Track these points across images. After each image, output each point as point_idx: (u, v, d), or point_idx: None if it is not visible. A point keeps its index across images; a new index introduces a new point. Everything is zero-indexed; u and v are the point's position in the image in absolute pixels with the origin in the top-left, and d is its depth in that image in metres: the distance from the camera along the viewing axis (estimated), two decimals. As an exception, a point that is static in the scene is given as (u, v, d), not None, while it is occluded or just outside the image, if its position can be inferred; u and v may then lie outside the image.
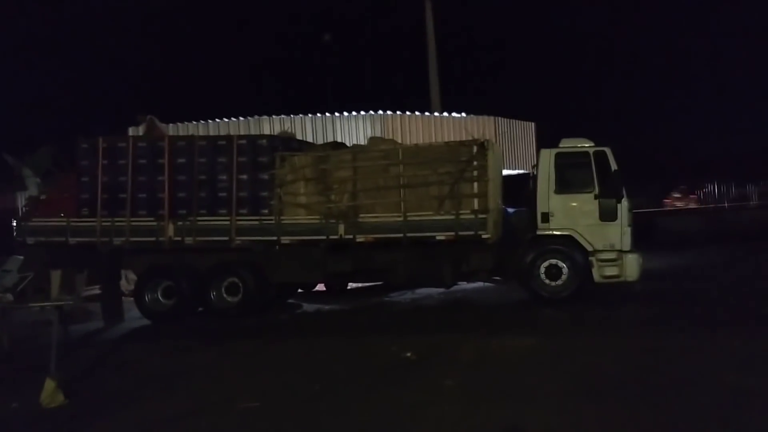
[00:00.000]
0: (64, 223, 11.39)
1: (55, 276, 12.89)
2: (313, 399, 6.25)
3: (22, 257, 13.27)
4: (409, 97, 25.36)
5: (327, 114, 19.21)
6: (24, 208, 12.98)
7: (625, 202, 10.73)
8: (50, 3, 35.43)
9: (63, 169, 12.41)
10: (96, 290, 13.05)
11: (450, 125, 19.85)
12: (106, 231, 11.21)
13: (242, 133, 15.04)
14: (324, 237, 10.81)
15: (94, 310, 12.26)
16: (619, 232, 10.71)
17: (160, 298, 11.68)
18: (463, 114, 20.46)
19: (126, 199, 11.18)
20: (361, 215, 10.70)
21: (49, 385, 6.45)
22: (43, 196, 12.09)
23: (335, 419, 5.62)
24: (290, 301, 13.16)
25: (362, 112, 19.23)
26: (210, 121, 19.49)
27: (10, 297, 12.91)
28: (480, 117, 20.63)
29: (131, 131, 15.83)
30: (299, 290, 13.60)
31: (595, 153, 10.93)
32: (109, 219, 11.21)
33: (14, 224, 17.38)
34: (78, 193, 11.48)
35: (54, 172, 12.62)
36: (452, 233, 10.40)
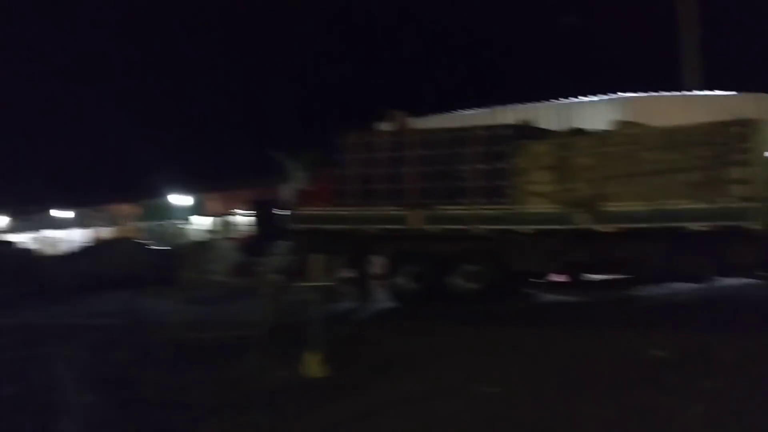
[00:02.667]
0: (325, 212, 12.58)
1: (317, 260, 14.26)
2: (554, 390, 6.17)
3: (289, 242, 14.96)
4: (656, 75, 23.37)
5: (566, 100, 18.58)
6: (291, 199, 14.56)
7: None
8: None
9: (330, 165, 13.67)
10: (350, 273, 14.18)
11: (710, 105, 17.87)
12: (359, 219, 12.16)
13: (481, 123, 15.21)
14: (564, 226, 10.54)
15: (348, 291, 13.34)
16: None
17: (406, 282, 12.35)
18: (730, 92, 18.23)
19: (376, 189, 12.01)
20: (605, 204, 10.22)
21: (312, 357, 7.23)
22: (307, 188, 13.46)
23: (579, 414, 5.49)
24: (528, 290, 13.04)
25: (604, 96, 18.23)
26: (451, 113, 20.02)
27: (279, 278, 14.63)
28: (752, 95, 18.20)
29: (381, 126, 16.90)
30: (534, 280, 13.39)
31: None
32: (362, 208, 12.13)
33: (277, 213, 19.65)
34: (336, 185, 12.60)
35: (316, 165, 13.93)
36: (710, 223, 9.46)
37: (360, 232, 12.24)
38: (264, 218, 22.98)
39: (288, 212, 13.73)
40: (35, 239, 39.91)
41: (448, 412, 5.75)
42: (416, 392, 6.35)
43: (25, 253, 26.82)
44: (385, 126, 15.54)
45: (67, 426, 4.56)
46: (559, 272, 12.96)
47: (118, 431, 5.18)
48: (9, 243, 31.30)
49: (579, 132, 12.54)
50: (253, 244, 20.98)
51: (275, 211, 20.57)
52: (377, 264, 14.53)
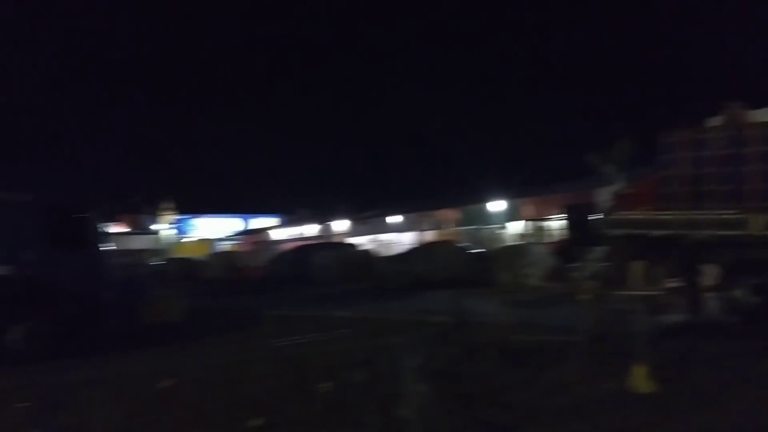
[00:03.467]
0: (646, 216, 11.87)
1: (637, 267, 13.51)
2: None
3: (604, 248, 14.40)
4: None
5: None
6: (608, 203, 14.03)
7: None
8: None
9: (644, 162, 12.95)
10: (676, 283, 13.13)
11: None
12: (687, 223, 11.19)
13: None
14: None
15: (675, 303, 12.33)
16: None
17: (744, 295, 10.97)
18: None
19: (708, 191, 10.95)
20: None
21: (639, 370, 6.86)
22: (626, 191, 12.87)
23: None
24: None
25: None
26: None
27: (595, 285, 14.17)
28: None
29: (712, 121, 15.35)
30: None
31: None
32: (690, 212, 11.15)
33: (591, 218, 19.04)
34: (659, 187, 11.80)
35: (631, 164, 13.26)
36: None
37: (688, 237, 11.24)
38: (577, 223, 22.53)
39: (603, 216, 13.27)
40: (371, 241, 44.98)
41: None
42: (759, 423, 5.61)
43: (365, 254, 30.51)
44: (717, 120, 14.06)
45: (406, 411, 5.08)
46: None
47: (449, 422, 5.57)
48: (352, 245, 35.98)
49: None
50: (566, 249, 20.73)
51: (589, 215, 20.03)
52: (708, 273, 13.19)
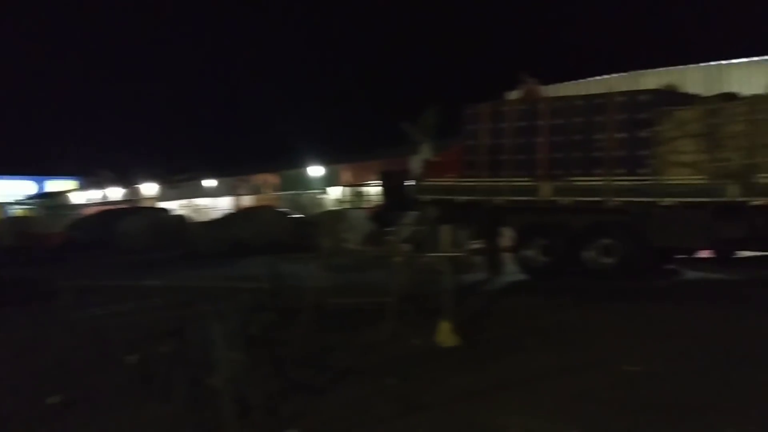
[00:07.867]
0: (452, 183, 12.61)
1: (445, 231, 14.32)
2: (701, 371, 5.88)
3: (416, 213, 15.09)
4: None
5: (716, 62, 17.19)
6: (419, 170, 14.67)
7: None
8: None
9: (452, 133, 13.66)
10: (478, 245, 14.12)
11: None
12: (487, 190, 12.07)
13: (619, 90, 14.49)
14: (712, 199, 9.86)
15: (477, 263, 13.30)
16: None
17: (535, 255, 12.13)
18: None
19: (506, 160, 11.85)
20: (759, 175, 9.45)
21: (445, 326, 7.34)
22: (434, 159, 13.53)
23: (719, 394, 5.22)
24: (670, 266, 12.37)
25: (759, 58, 16.63)
26: (585, 79, 19.19)
27: (407, 247, 14.85)
28: None
29: (511, 95, 16.57)
30: (679, 256, 12.66)
31: None
32: (491, 179, 12.02)
33: (405, 184, 19.81)
34: (464, 156, 12.56)
35: (436, 131, 13.91)
36: None
37: (488, 203, 12.15)
38: (392, 189, 23.29)
39: (415, 183, 13.88)
40: (183, 206, 43.03)
41: (583, 389, 5.64)
42: (549, 367, 6.28)
43: (177, 220, 29.10)
44: (515, 95, 15.22)
45: (217, 380, 4.96)
46: (706, 248, 12.18)
47: (264, 386, 5.55)
48: (164, 210, 34.09)
49: (730, 97, 11.61)
50: (382, 214, 21.36)
51: (404, 181, 20.81)
52: (506, 236, 14.37)
